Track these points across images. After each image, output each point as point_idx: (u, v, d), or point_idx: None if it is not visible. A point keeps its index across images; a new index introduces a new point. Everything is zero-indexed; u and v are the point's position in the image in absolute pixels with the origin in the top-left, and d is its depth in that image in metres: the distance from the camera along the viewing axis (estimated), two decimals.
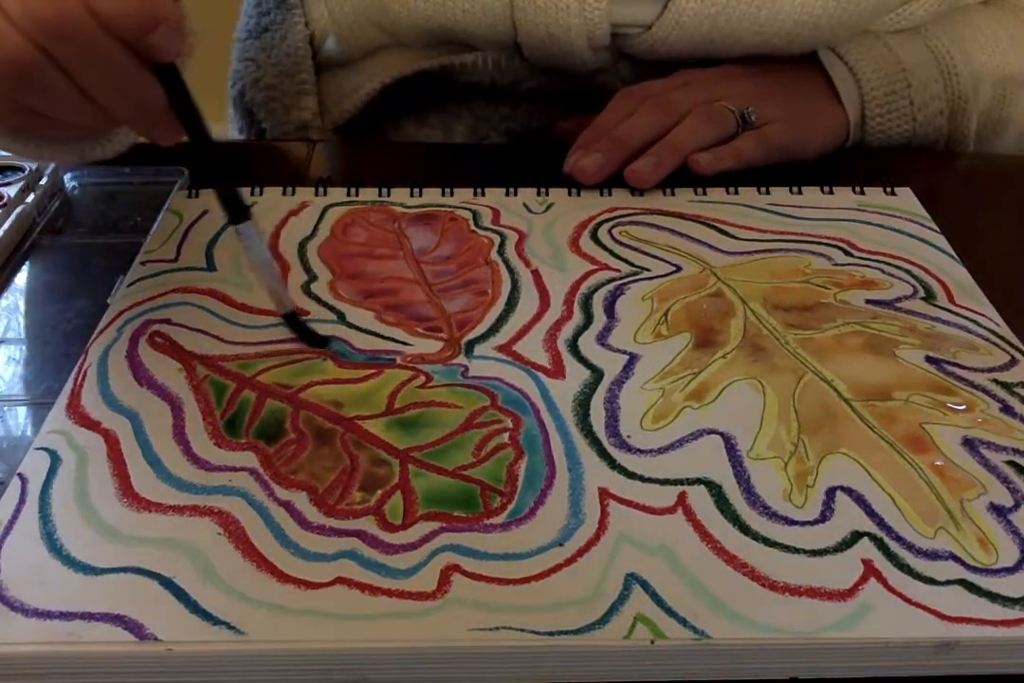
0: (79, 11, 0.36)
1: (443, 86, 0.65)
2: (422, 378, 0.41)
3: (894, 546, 0.34)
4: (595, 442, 0.38)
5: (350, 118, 0.66)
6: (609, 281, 0.48)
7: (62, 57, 0.37)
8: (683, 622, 0.31)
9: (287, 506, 0.35)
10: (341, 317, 0.45)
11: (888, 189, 0.56)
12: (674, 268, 0.49)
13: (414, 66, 0.63)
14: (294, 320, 0.43)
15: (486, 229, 0.52)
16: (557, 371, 0.42)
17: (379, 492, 0.36)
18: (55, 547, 0.33)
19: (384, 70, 0.65)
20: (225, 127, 0.74)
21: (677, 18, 0.57)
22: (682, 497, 0.36)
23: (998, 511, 0.35)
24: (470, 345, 0.43)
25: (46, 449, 0.37)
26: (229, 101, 0.72)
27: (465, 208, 0.53)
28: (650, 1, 0.58)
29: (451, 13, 0.58)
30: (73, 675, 0.31)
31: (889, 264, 0.49)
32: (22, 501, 0.35)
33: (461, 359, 0.42)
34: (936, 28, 0.62)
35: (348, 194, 0.55)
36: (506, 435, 0.38)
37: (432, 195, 0.54)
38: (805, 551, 0.34)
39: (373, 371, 0.42)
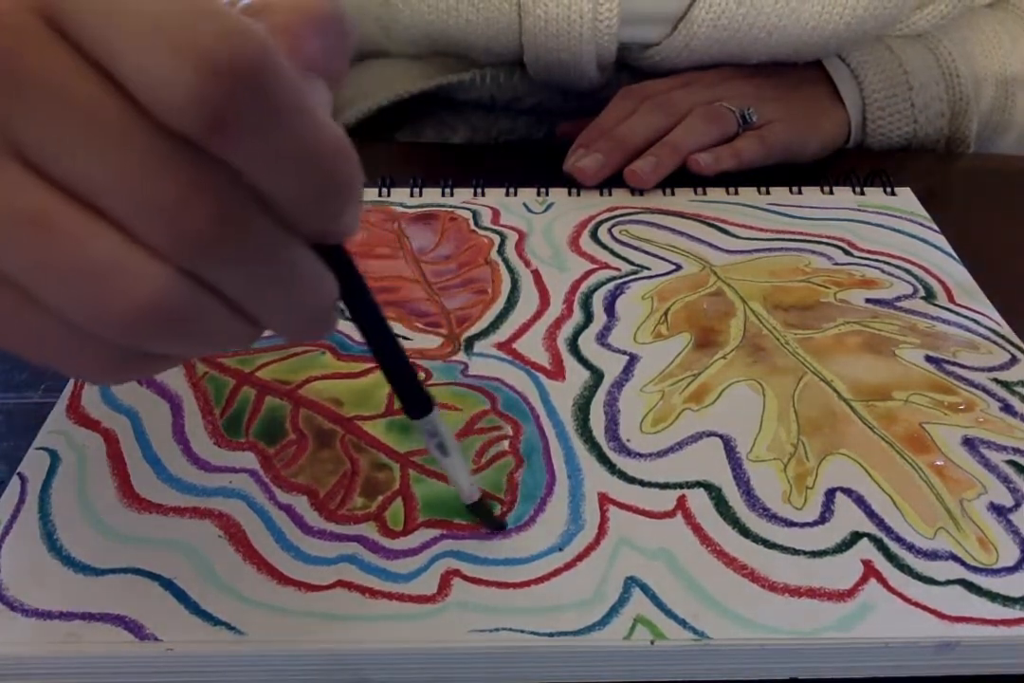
0: (249, 211, 0.22)
1: (440, 102, 0.65)
2: (421, 375, 0.41)
3: (894, 546, 0.34)
4: (595, 448, 0.38)
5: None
6: (609, 280, 0.48)
7: (220, 279, 0.23)
8: (683, 623, 0.31)
9: (288, 510, 0.35)
10: (340, 313, 0.45)
11: (888, 189, 0.56)
12: (674, 267, 0.49)
13: (411, 88, 0.63)
14: (480, 508, 0.34)
15: (486, 229, 0.52)
16: (557, 372, 0.42)
17: (380, 498, 0.35)
18: (55, 547, 0.33)
19: (381, 90, 0.64)
20: None
21: (687, 41, 0.57)
22: (681, 500, 0.35)
23: (998, 511, 0.35)
24: (469, 342, 0.43)
25: (46, 449, 0.37)
26: None
27: (465, 208, 0.53)
28: (659, 23, 0.58)
29: (454, 20, 0.58)
30: (73, 675, 0.31)
31: (889, 263, 0.49)
32: (21, 501, 0.35)
33: (461, 356, 0.42)
34: (938, 30, 0.62)
35: None
36: (506, 443, 0.38)
37: (432, 195, 0.54)
38: (805, 552, 0.34)
39: (373, 365, 0.42)
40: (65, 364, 0.24)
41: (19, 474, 0.36)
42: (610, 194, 0.55)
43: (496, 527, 0.35)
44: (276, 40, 0.21)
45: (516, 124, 0.66)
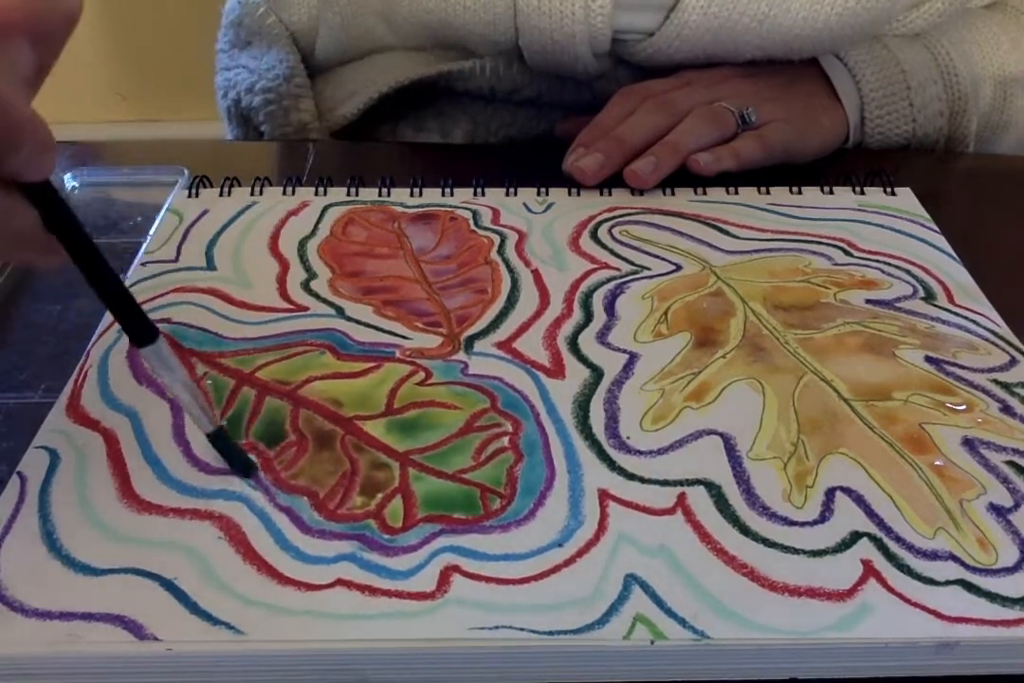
0: None
1: (441, 93, 0.65)
2: (421, 374, 0.41)
3: (894, 546, 0.34)
4: (595, 444, 0.38)
5: (346, 124, 0.66)
6: (609, 280, 0.48)
7: None
8: (682, 623, 0.31)
9: (288, 512, 0.35)
10: (340, 311, 0.45)
11: (888, 189, 0.56)
12: (674, 267, 0.49)
13: (411, 74, 0.63)
14: (219, 439, 0.36)
15: (486, 229, 0.52)
16: (557, 370, 0.42)
17: (379, 496, 0.35)
18: (55, 546, 0.33)
19: (382, 77, 0.65)
20: (222, 126, 0.74)
21: (679, 30, 0.57)
22: (681, 498, 0.36)
23: (998, 511, 0.35)
24: (469, 341, 0.43)
25: (45, 448, 0.37)
26: (223, 113, 0.71)
27: (465, 208, 0.53)
28: (653, 10, 0.58)
29: (452, 7, 0.58)
30: (73, 675, 0.31)
31: (889, 264, 0.49)
32: (21, 500, 0.35)
33: (461, 355, 0.42)
34: (935, 30, 0.62)
35: (348, 194, 0.54)
36: (506, 439, 0.38)
37: (432, 195, 0.54)
38: (805, 551, 0.34)
39: (373, 365, 0.42)
40: None
41: (18, 473, 0.36)
42: (610, 194, 0.55)
43: (239, 464, 0.36)
44: None
45: (516, 116, 0.66)
